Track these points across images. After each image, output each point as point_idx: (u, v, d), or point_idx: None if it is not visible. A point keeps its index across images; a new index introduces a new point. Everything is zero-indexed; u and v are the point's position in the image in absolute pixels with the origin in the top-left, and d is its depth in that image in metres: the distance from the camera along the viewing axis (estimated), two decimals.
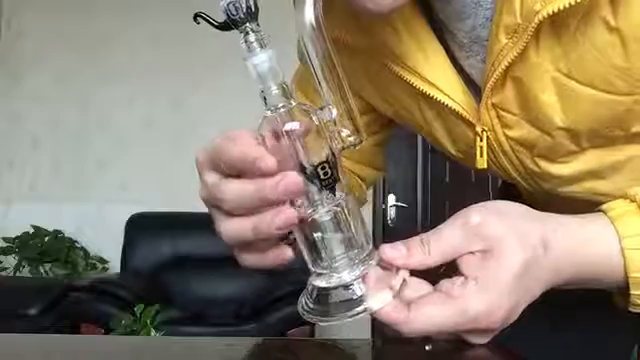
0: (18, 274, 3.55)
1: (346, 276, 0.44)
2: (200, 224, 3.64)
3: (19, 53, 3.90)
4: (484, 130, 0.60)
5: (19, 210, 3.77)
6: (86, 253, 3.68)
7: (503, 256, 0.44)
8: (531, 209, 0.48)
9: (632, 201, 0.48)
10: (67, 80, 3.84)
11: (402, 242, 0.46)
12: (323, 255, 0.45)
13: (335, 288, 0.45)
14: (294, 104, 0.44)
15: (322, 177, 0.44)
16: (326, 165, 0.44)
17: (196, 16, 0.43)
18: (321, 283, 0.45)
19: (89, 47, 3.85)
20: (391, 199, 3.86)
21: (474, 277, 0.44)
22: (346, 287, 0.44)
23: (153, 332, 2.56)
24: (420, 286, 0.46)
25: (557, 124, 0.56)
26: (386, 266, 0.45)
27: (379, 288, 0.44)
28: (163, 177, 3.80)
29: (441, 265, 0.46)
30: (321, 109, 0.45)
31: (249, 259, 0.48)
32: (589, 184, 0.62)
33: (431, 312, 0.44)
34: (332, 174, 0.44)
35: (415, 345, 0.47)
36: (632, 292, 0.47)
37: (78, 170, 3.86)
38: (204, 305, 3.33)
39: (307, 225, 0.45)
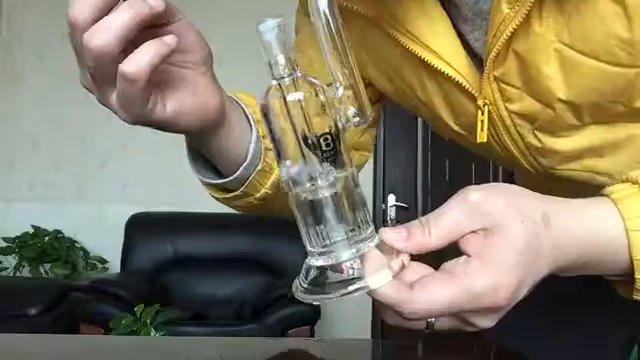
0: (18, 274, 3.54)
1: (343, 255, 0.43)
2: (200, 224, 3.65)
3: (19, 53, 3.90)
4: (485, 104, 0.60)
5: (19, 210, 3.76)
6: (86, 253, 3.67)
7: (505, 232, 0.43)
8: (530, 190, 0.48)
9: (634, 183, 0.48)
10: (67, 80, 3.83)
11: (403, 225, 0.45)
12: (321, 233, 0.43)
13: (331, 267, 0.43)
14: (300, 75, 0.43)
15: (324, 148, 0.43)
16: (329, 137, 0.43)
17: None
18: (317, 262, 0.44)
19: None
20: (391, 199, 3.85)
21: (477, 255, 0.43)
22: (343, 266, 0.43)
23: (153, 332, 2.56)
24: (421, 269, 0.45)
25: (559, 97, 0.56)
26: (386, 250, 0.44)
27: (378, 268, 0.43)
28: (163, 177, 3.80)
29: (441, 250, 0.45)
30: (328, 85, 0.45)
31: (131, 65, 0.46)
32: (589, 162, 0.61)
33: (434, 291, 0.42)
34: (334, 146, 0.43)
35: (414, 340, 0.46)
36: (637, 276, 0.46)
37: (78, 170, 3.85)
38: (204, 305, 3.33)
39: (306, 201, 0.43)
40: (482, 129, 0.60)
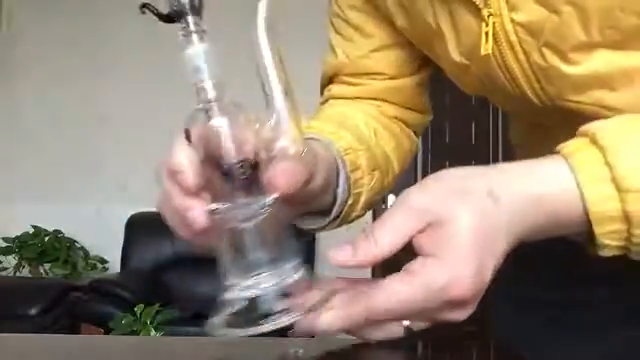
0: (18, 274, 3.55)
1: (267, 286, 0.43)
2: None
3: (19, 53, 3.90)
4: (490, 14, 0.58)
5: (19, 210, 3.77)
6: (86, 253, 3.68)
7: (450, 222, 0.42)
8: (474, 167, 0.46)
9: (585, 136, 0.45)
10: (67, 80, 3.84)
11: (347, 243, 0.44)
12: (241, 265, 0.43)
13: (253, 300, 0.43)
14: (226, 100, 0.43)
15: (240, 176, 0.43)
16: (245, 164, 0.43)
17: (143, 6, 0.44)
18: (238, 294, 0.44)
19: (89, 47, 3.85)
20: (391, 199, 3.85)
21: (431, 252, 0.42)
22: (266, 298, 0.43)
23: (153, 332, 2.56)
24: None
25: None
26: (318, 282, 0.45)
27: (304, 297, 0.43)
28: None
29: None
30: (266, 111, 0.45)
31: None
32: (598, 94, 0.58)
33: (394, 287, 0.42)
34: (250, 175, 0.43)
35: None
36: (596, 231, 0.44)
37: (78, 170, 3.86)
38: (204, 305, 3.31)
39: (228, 230, 0.43)
40: (487, 41, 0.58)
